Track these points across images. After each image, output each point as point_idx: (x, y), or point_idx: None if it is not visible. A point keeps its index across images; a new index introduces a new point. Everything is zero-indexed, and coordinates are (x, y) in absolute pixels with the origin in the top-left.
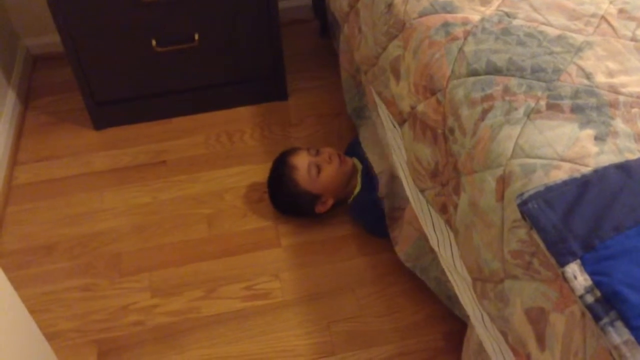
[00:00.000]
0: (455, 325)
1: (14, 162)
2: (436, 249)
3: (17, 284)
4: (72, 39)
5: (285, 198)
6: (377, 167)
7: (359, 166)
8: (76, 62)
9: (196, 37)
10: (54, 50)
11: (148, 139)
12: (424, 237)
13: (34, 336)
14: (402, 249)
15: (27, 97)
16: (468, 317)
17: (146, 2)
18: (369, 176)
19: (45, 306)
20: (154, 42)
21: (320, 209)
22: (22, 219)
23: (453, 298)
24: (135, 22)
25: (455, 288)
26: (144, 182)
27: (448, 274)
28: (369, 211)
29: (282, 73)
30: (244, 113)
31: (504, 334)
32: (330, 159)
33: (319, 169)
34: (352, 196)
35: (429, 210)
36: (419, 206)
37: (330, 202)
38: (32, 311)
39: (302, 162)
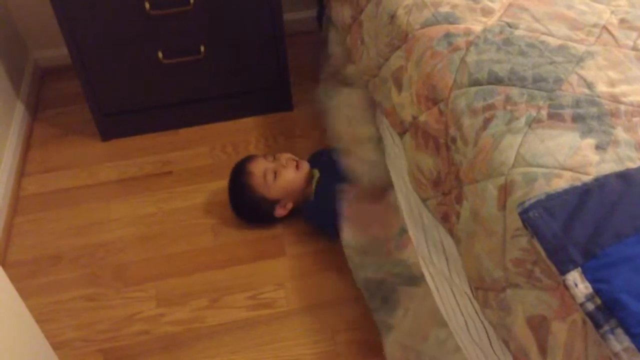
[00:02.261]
0: None
1: (22, 173)
2: (428, 260)
3: (24, 294)
4: (80, 51)
5: (245, 204)
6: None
7: (316, 175)
8: (84, 74)
9: (202, 49)
10: (62, 62)
11: (154, 149)
12: (383, 239)
13: (40, 345)
14: (350, 235)
15: (36, 109)
16: (390, 327)
17: (153, 15)
18: (323, 184)
19: (52, 316)
20: (160, 54)
21: (280, 212)
22: (30, 229)
23: (387, 299)
24: (142, 34)
25: (447, 299)
26: (150, 192)
27: (441, 285)
28: (322, 214)
29: (287, 84)
30: (249, 124)
31: (506, 343)
32: (286, 164)
33: (275, 174)
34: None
35: (422, 222)
36: (411, 217)
37: (289, 205)
38: (38, 321)
39: (257, 168)
